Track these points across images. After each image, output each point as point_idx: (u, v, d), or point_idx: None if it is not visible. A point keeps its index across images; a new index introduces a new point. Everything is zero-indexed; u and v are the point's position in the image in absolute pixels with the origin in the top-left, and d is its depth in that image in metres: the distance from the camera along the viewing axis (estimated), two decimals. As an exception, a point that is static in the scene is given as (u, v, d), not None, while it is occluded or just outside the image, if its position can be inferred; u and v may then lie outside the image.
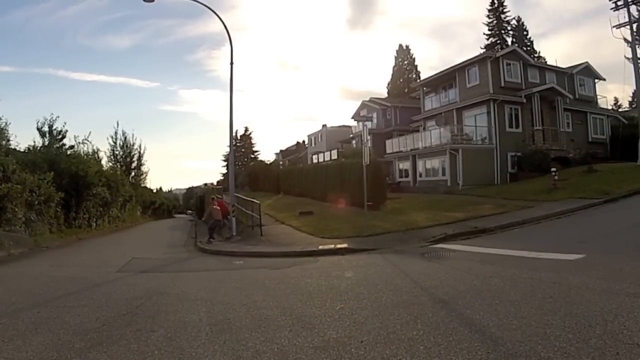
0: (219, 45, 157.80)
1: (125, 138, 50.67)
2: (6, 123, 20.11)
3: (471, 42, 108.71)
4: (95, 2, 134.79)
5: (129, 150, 50.90)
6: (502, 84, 30.80)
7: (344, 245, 13.18)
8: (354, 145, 48.80)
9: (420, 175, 33.27)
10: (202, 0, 19.51)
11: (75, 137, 28.65)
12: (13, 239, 16.08)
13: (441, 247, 11.96)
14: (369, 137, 19.03)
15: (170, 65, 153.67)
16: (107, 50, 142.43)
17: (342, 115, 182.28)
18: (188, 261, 14.51)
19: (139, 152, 52.33)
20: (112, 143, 49.58)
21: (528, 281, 7.02)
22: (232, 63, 18.96)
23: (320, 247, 13.51)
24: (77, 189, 25.36)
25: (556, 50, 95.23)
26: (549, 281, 6.84)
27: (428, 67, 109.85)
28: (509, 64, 31.49)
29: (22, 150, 24.54)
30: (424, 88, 39.18)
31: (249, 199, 22.06)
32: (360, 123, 49.71)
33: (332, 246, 13.32)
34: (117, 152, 49.79)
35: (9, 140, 21.41)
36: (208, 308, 6.89)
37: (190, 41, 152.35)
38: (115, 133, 50.10)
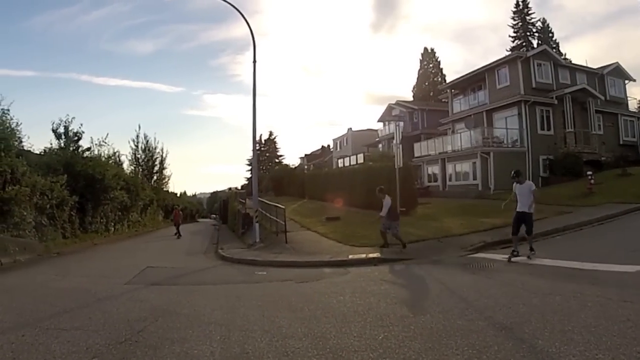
0: (243, 50, 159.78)
1: (147, 141, 51.05)
2: (17, 123, 19.57)
3: (494, 46, 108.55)
4: (117, 8, 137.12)
5: (150, 154, 51.37)
6: (533, 85, 30.06)
7: (376, 255, 12.51)
8: (380, 149, 48.78)
9: (450, 180, 32.51)
10: (228, 7, 18.71)
11: (92, 138, 28.07)
12: (20, 244, 15.43)
13: (482, 257, 11.37)
14: (400, 138, 17.91)
15: (194, 70, 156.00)
16: (131, 55, 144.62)
17: (366, 119, 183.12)
18: (206, 271, 13.60)
19: (161, 156, 52.75)
20: (134, 146, 49.88)
21: (594, 299, 6.35)
22: (255, 61, 18.54)
23: (350, 256, 12.74)
24: (93, 193, 24.87)
25: (580, 53, 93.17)
26: (619, 299, 6.21)
27: (452, 71, 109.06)
28: (540, 64, 30.76)
29: (37, 152, 24.17)
30: (452, 90, 38.65)
31: (273, 203, 21.42)
32: (388, 126, 50.46)
33: (363, 255, 12.60)
34: (138, 156, 50.16)
35: (21, 142, 20.78)
36: (223, 336, 5.75)
37: (213, 46, 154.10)
38: (137, 136, 50.47)
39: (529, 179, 27.17)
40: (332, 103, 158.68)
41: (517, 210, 10.85)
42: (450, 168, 32.45)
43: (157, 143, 52.18)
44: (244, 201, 31.48)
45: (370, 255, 12.44)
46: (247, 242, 18.90)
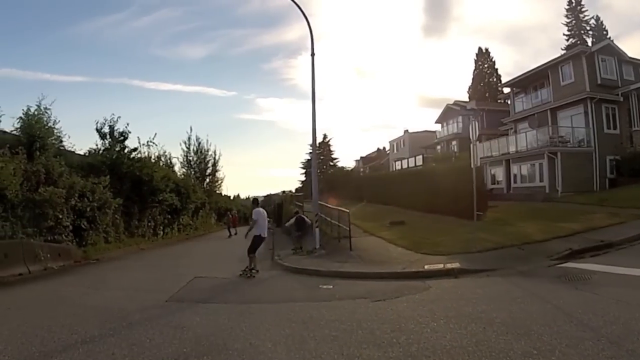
0: (295, 54, 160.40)
1: (200, 143, 50.22)
2: (55, 121, 18.62)
3: (544, 47, 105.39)
4: (166, 14, 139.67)
5: (203, 156, 50.41)
6: (598, 81, 28.73)
7: (456, 265, 11.35)
8: (439, 151, 49.30)
9: (515, 182, 31.40)
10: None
11: (138, 139, 26.88)
12: (54, 250, 14.18)
13: (574, 267, 10.32)
14: (477, 133, 16.56)
15: (247, 74, 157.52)
16: (182, 60, 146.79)
17: (419, 122, 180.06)
18: (262, 284, 11.79)
19: (214, 158, 51.75)
20: (185, 148, 49.16)
21: None
22: (313, 54, 17.95)
23: (426, 266, 11.53)
24: (140, 195, 24.00)
25: (632, 53, 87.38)
26: None
27: (503, 73, 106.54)
28: (604, 60, 29.38)
29: (81, 153, 23.31)
30: (513, 89, 37.97)
31: (335, 206, 19.93)
32: (446, 127, 50.68)
33: (440, 266, 11.45)
34: (190, 158, 49.38)
35: (61, 141, 19.91)
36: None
37: (265, 50, 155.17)
38: (189, 138, 49.66)
39: (595, 181, 27.11)
40: (385, 106, 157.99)
41: None
42: (514, 169, 31.41)
43: (210, 145, 51.20)
44: (301, 204, 29.94)
45: (449, 266, 11.27)
46: (306, 248, 17.42)
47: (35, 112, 17.58)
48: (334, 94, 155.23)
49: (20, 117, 17.34)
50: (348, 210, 17.43)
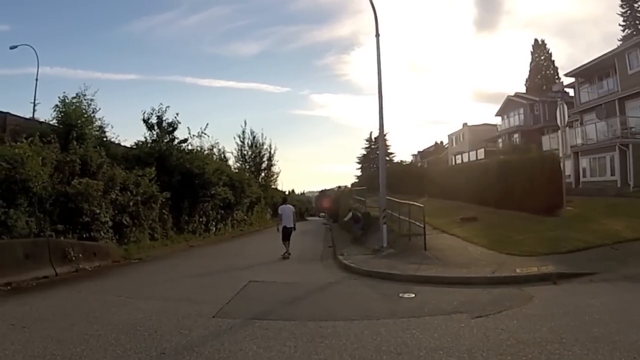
0: (348, 49, 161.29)
1: (254, 137, 49.86)
2: (94, 110, 17.38)
3: (596, 40, 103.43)
4: (217, 12, 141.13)
5: (258, 150, 50.12)
6: None
7: (551, 269, 10.20)
8: (500, 144, 48.95)
9: (584, 175, 30.32)
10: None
11: (188, 129, 25.13)
12: (88, 249, 12.62)
13: None
14: (566, 117, 15.42)
15: (300, 70, 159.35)
16: (235, 57, 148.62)
17: (474, 116, 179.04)
18: (330, 291, 9.86)
19: (269, 152, 51.37)
20: (240, 142, 48.93)
21: None
22: (377, 35, 16.90)
23: (518, 270, 10.38)
24: (191, 189, 22.54)
25: None
26: None
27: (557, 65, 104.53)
28: None
29: (127, 145, 22.21)
30: (578, 78, 36.20)
31: (405, 201, 18.44)
32: (507, 119, 50.42)
33: (534, 269, 10.38)
34: (245, 152, 49.12)
35: (104, 132, 18.81)
36: None
37: (317, 47, 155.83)
38: (243, 132, 49.39)
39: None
40: (439, 101, 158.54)
41: None
42: (583, 162, 30.42)
43: (265, 139, 50.76)
44: (363, 199, 28.67)
45: (543, 269, 10.21)
46: (371, 247, 16.12)
47: (73, 100, 16.28)
48: (388, 90, 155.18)
49: (56, 105, 16.10)
50: (422, 205, 16.08)
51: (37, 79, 30.83)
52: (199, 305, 7.74)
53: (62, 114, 15.88)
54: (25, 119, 15.82)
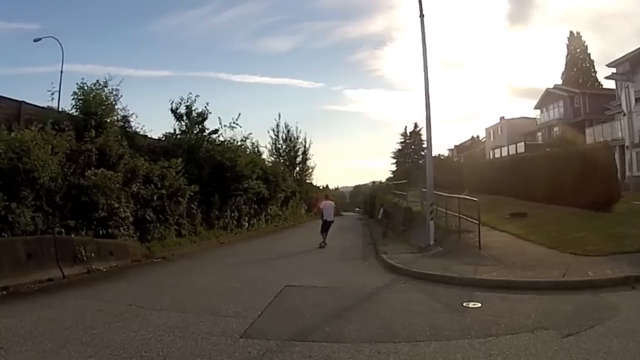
0: (380, 45, 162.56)
1: (289, 131, 49.24)
2: (117, 96, 16.13)
3: (628, 35, 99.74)
4: (248, 8, 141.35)
5: (292, 144, 49.57)
6: None
7: (627, 271, 8.85)
8: (539, 138, 47.71)
9: (630, 170, 27.66)
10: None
11: (219, 119, 23.81)
12: (103, 247, 11.35)
13: None
14: (633, 101, 13.43)
15: (333, 66, 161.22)
16: (268, 53, 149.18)
17: (509, 110, 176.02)
18: (379, 298, 8.34)
19: (304, 146, 50.70)
20: (274, 136, 48.24)
21: None
22: (422, 16, 15.97)
23: (590, 273, 9.01)
24: (222, 182, 21.32)
25: None
26: None
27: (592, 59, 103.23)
28: None
29: (155, 137, 20.95)
30: (618, 69, 34.40)
31: (454, 195, 17.57)
32: (547, 112, 49.12)
33: (608, 272, 8.99)
34: (279, 146, 48.46)
35: (128, 122, 17.62)
36: None
37: (349, 42, 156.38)
38: (277, 125, 48.61)
39: None
40: (473, 96, 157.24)
41: None
42: (630, 156, 28.04)
43: (300, 132, 50.07)
44: (404, 193, 27.37)
45: (618, 273, 8.84)
46: (415, 244, 15.18)
47: (93, 87, 15.03)
48: (421, 85, 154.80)
49: (75, 92, 14.90)
50: (476, 199, 14.75)
51: (61, 72, 29.94)
52: (223, 320, 6.29)
53: (81, 102, 14.68)
54: (42, 108, 14.57)
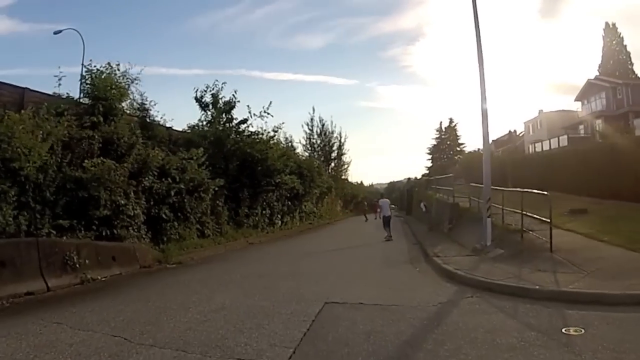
0: (413, 41, 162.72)
1: (323, 125, 48.76)
2: (132, 81, 14.79)
3: None
4: (281, 6, 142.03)
5: (327, 139, 49.17)
6: None
7: None
8: (581, 131, 46.64)
9: None
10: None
11: (248, 107, 21.83)
12: (103, 251, 9.68)
13: None
14: None
15: (366, 62, 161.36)
16: (301, 50, 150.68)
17: (545, 104, 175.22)
18: (448, 321, 6.15)
19: (339, 141, 50.12)
20: (308, 130, 47.86)
21: None
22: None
23: None
24: (252, 177, 19.94)
25: None
26: None
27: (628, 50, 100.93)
28: None
29: (179, 129, 19.64)
30: None
31: (515, 189, 16.53)
32: (589, 104, 47.52)
33: None
34: (313, 140, 48.15)
35: (145, 109, 16.37)
36: None
37: (382, 38, 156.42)
38: (311, 119, 48.25)
39: None
40: (507, 91, 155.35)
41: None
42: None
43: (335, 127, 49.80)
44: (450, 188, 25.80)
45: None
46: (468, 245, 13.84)
47: (103, 69, 13.50)
48: (454, 81, 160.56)
49: (82, 76, 13.50)
50: (546, 193, 12.57)
51: (82, 64, 28.87)
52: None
53: (89, 86, 13.18)
54: (48, 94, 13.07)
